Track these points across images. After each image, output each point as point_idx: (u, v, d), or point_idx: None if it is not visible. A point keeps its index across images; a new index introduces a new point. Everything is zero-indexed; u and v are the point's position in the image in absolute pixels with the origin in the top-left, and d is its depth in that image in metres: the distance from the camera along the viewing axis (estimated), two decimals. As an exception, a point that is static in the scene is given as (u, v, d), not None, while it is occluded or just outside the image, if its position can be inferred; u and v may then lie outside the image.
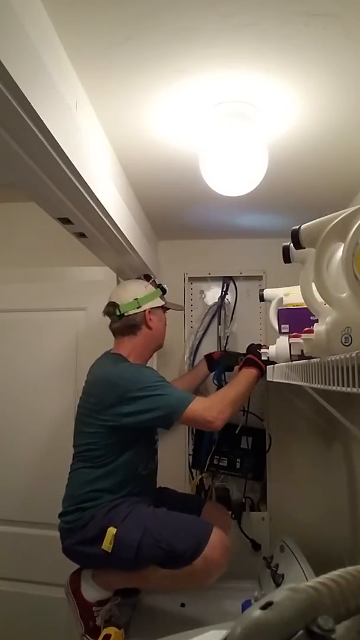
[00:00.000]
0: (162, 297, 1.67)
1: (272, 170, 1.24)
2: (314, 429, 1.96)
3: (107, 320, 1.63)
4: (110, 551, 1.28)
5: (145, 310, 1.59)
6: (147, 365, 1.67)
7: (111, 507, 1.35)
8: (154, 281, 1.69)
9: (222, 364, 1.88)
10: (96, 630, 1.34)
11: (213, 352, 1.93)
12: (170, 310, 1.79)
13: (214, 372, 1.90)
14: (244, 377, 1.56)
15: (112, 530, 1.29)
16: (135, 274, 1.76)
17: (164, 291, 1.69)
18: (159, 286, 1.68)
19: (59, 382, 1.90)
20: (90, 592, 1.38)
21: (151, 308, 1.61)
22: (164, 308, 1.69)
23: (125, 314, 1.57)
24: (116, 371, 1.49)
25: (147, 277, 1.71)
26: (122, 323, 1.58)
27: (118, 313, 1.57)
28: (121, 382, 1.42)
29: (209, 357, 1.91)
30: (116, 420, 1.39)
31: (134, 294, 1.60)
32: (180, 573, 1.26)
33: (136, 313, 1.58)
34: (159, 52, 0.91)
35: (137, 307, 1.58)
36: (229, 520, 1.75)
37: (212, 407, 1.41)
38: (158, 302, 1.65)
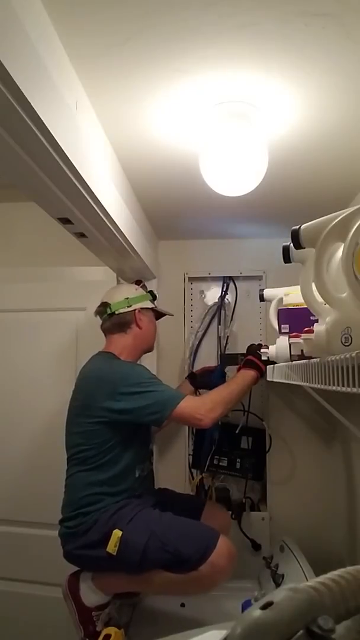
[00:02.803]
0: (152, 302, 1.71)
1: (272, 170, 1.24)
2: (314, 429, 1.96)
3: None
4: (115, 554, 1.27)
5: (135, 310, 1.62)
6: (141, 364, 1.68)
7: (115, 509, 1.35)
8: (144, 285, 1.74)
9: (219, 369, 1.88)
10: (96, 635, 1.33)
11: (195, 370, 1.94)
12: (170, 311, 1.80)
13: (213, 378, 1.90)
14: (240, 378, 1.56)
15: (117, 533, 1.29)
16: (135, 274, 1.77)
17: (154, 297, 1.73)
18: (150, 292, 1.73)
19: (59, 382, 1.90)
20: (90, 596, 1.37)
21: (141, 308, 1.64)
22: (154, 312, 1.72)
23: (116, 312, 1.60)
24: (108, 367, 1.50)
25: (138, 282, 1.75)
26: (113, 321, 1.61)
27: (109, 311, 1.60)
28: (113, 378, 1.43)
29: (191, 376, 1.91)
30: (107, 416, 1.39)
31: (125, 294, 1.64)
32: (185, 579, 1.25)
33: (127, 312, 1.61)
34: (158, 52, 0.91)
35: (128, 306, 1.61)
36: (229, 520, 1.75)
37: (202, 406, 1.42)
38: (148, 304, 1.68)
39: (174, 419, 1.41)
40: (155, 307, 1.72)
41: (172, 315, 1.84)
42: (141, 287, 1.71)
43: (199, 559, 1.24)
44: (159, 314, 1.75)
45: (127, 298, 1.62)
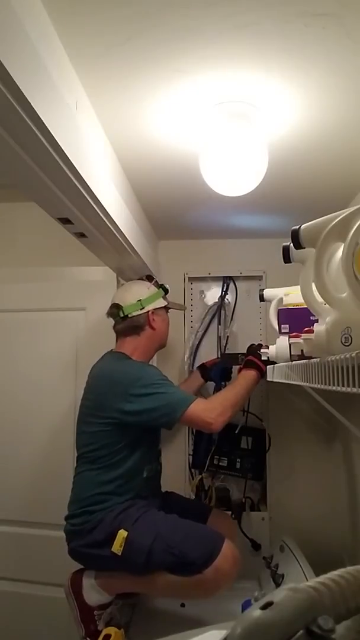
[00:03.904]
0: (164, 298, 1.69)
1: (272, 170, 1.24)
2: (314, 429, 1.96)
3: (107, 320, 1.64)
4: (120, 554, 1.27)
5: (148, 312, 1.60)
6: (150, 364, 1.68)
7: (121, 510, 1.35)
8: (156, 282, 1.70)
9: (218, 366, 1.89)
10: (97, 634, 1.33)
11: (206, 362, 1.94)
12: (170, 309, 1.80)
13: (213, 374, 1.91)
14: (243, 379, 1.56)
15: (122, 533, 1.29)
16: (135, 274, 1.76)
17: (166, 291, 1.70)
18: (161, 286, 1.69)
19: (59, 382, 1.90)
20: (93, 595, 1.37)
21: (154, 309, 1.62)
22: (166, 308, 1.70)
23: (129, 316, 1.58)
24: (120, 368, 1.49)
25: (149, 278, 1.71)
26: (126, 324, 1.59)
27: (122, 315, 1.58)
28: (124, 379, 1.43)
29: (202, 367, 1.91)
30: (118, 418, 1.39)
31: (137, 295, 1.61)
32: (189, 582, 1.25)
33: (139, 314, 1.59)
34: (158, 52, 0.91)
35: (141, 309, 1.59)
36: (234, 529, 1.75)
37: (212, 409, 1.41)
38: (161, 302, 1.66)
39: (184, 422, 1.41)
40: (168, 304, 1.70)
41: (185, 309, 1.83)
42: (153, 284, 1.68)
43: (203, 562, 1.24)
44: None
45: (140, 300, 1.59)
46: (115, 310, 1.59)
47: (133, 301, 1.59)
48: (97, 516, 1.34)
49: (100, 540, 1.31)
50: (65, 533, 1.40)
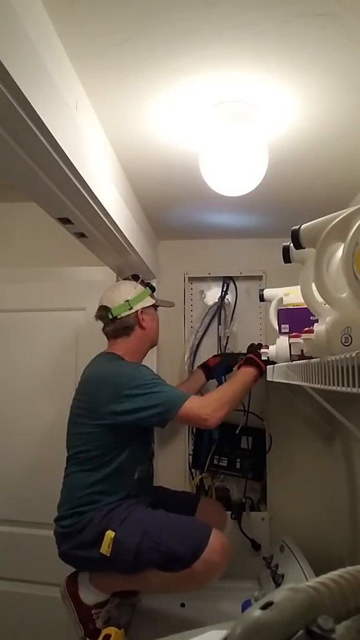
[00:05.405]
0: (152, 296, 1.67)
1: (272, 170, 1.24)
2: (314, 429, 1.96)
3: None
4: (108, 555, 1.27)
5: (137, 311, 1.59)
6: (144, 364, 1.67)
7: (108, 510, 1.35)
8: (142, 280, 1.69)
9: (221, 365, 1.88)
10: (96, 632, 1.33)
11: (208, 360, 1.92)
12: (170, 309, 1.80)
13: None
14: (241, 376, 1.55)
15: (110, 534, 1.28)
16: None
17: (153, 289, 1.69)
18: (148, 285, 1.69)
19: (59, 382, 1.90)
20: (89, 595, 1.37)
21: (143, 308, 1.61)
22: (154, 306, 1.69)
23: (118, 317, 1.57)
24: (111, 369, 1.49)
25: (135, 277, 1.70)
26: (116, 326, 1.58)
27: (110, 317, 1.57)
28: (117, 380, 1.42)
29: (205, 366, 1.90)
30: (111, 419, 1.38)
31: (125, 295, 1.59)
32: (180, 576, 1.25)
33: (128, 315, 1.58)
34: (158, 52, 0.91)
35: (129, 309, 1.58)
36: (224, 516, 1.75)
37: (208, 405, 1.41)
38: (149, 301, 1.65)
39: (179, 420, 1.41)
40: (156, 301, 1.69)
41: (174, 305, 1.82)
42: (139, 283, 1.66)
43: (192, 556, 1.23)
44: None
45: (128, 300, 1.58)
46: (103, 312, 1.58)
47: (121, 302, 1.57)
48: (87, 516, 1.34)
49: (89, 540, 1.31)
50: (55, 535, 1.40)
